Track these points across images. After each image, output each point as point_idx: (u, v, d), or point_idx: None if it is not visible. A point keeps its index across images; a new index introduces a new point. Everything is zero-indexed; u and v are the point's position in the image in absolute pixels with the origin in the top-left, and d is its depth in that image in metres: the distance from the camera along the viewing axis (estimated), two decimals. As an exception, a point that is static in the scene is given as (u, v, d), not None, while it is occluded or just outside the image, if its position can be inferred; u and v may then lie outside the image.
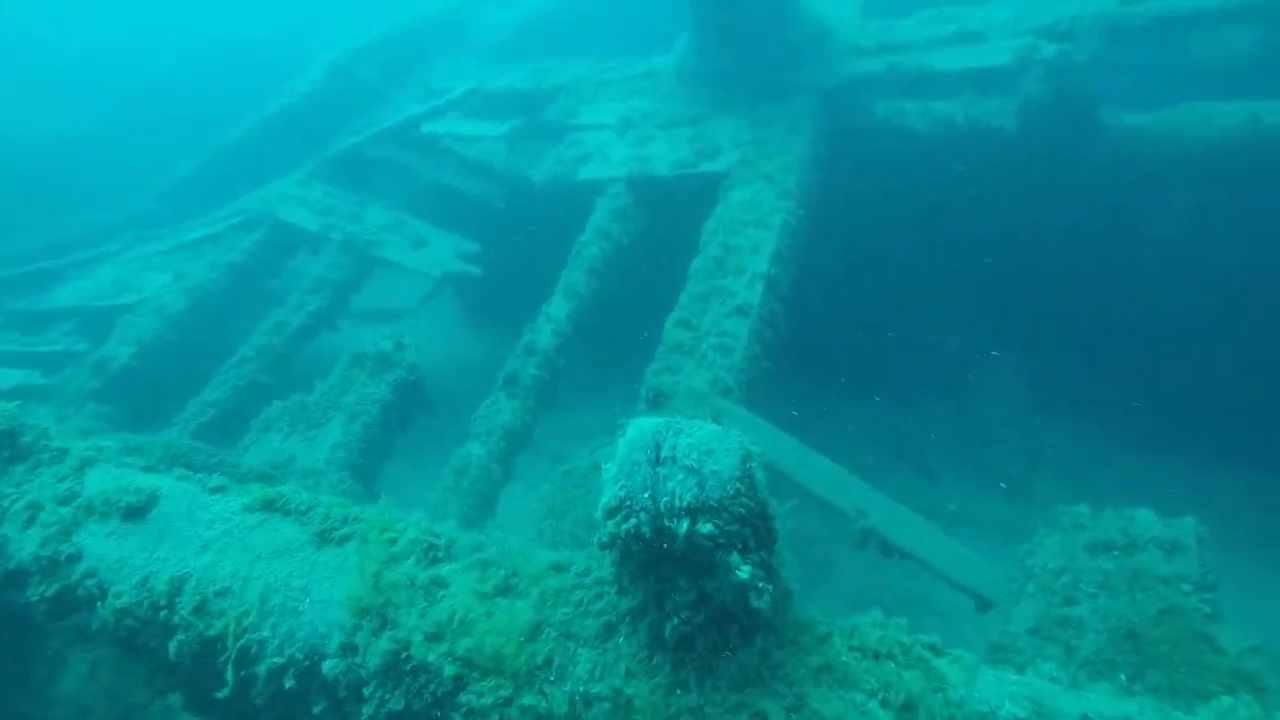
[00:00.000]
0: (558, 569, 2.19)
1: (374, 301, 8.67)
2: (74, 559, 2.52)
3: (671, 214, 6.86)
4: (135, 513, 2.59)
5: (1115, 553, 3.61)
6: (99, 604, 2.43)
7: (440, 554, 2.29)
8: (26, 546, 2.58)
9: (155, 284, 7.08)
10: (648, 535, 1.74)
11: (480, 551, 2.26)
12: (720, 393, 4.84)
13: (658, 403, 4.90)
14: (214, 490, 2.66)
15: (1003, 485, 7.41)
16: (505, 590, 2.15)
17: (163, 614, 2.35)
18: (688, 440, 1.83)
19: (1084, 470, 7.17)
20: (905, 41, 7.27)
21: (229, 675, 2.16)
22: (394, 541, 2.31)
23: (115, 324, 6.62)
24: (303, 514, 2.47)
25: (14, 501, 2.67)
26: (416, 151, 8.29)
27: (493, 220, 7.94)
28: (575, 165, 7.42)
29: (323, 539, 2.39)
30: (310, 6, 15.53)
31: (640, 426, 1.90)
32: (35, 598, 2.53)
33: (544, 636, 2.01)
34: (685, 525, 1.72)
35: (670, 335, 5.34)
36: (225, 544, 2.44)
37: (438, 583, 2.19)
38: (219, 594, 2.30)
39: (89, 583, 2.46)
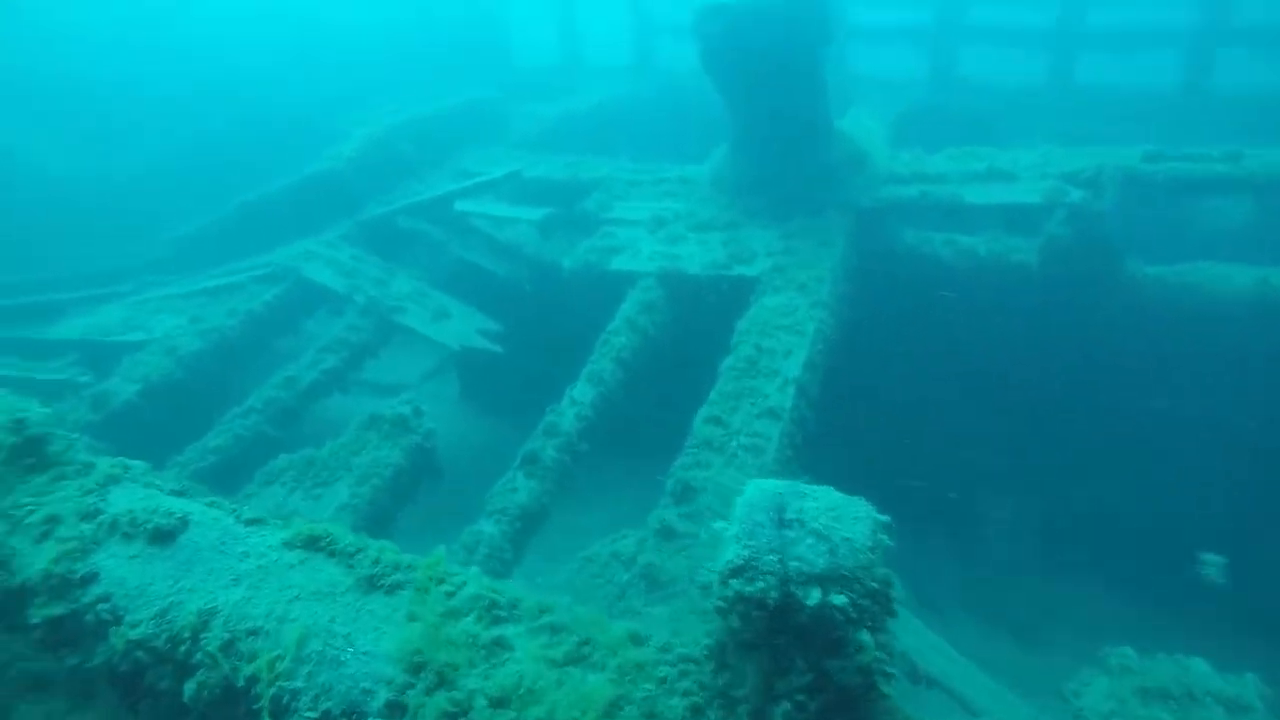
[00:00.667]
0: (636, 641, 2.00)
1: (374, 375, 8.57)
2: (88, 580, 2.28)
3: (699, 312, 6.88)
4: (163, 537, 2.37)
5: (1171, 703, 3.40)
6: (111, 632, 2.19)
7: (502, 613, 2.09)
8: (37, 562, 2.35)
9: (166, 325, 6.93)
10: (774, 601, 1.58)
11: (548, 615, 2.07)
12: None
13: (685, 497, 4.75)
14: (249, 522, 2.45)
15: (1011, 631, 7.19)
16: (577, 659, 1.95)
17: (183, 649, 2.11)
18: (814, 504, 1.69)
19: (1097, 621, 6.95)
20: (939, 173, 7.52)
21: (268, 727, 1.91)
22: (452, 595, 2.11)
23: (121, 360, 6.43)
24: (350, 556, 2.27)
25: (31, 513, 2.46)
26: (447, 228, 8.36)
27: (517, 302, 7.93)
28: (606, 256, 7.48)
29: (371, 585, 2.19)
30: (348, 88, 16.02)
31: (760, 487, 1.76)
32: (35, 619, 2.28)
33: (623, 714, 1.80)
34: (816, 595, 1.56)
35: (700, 431, 5.23)
36: (260, 580, 2.23)
37: (500, 644, 1.99)
38: (250, 633, 2.08)
39: (101, 608, 2.23)
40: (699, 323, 6.83)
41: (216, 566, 2.28)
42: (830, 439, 5.90)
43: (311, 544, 2.32)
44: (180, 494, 2.62)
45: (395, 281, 7.60)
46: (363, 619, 2.11)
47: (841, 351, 6.41)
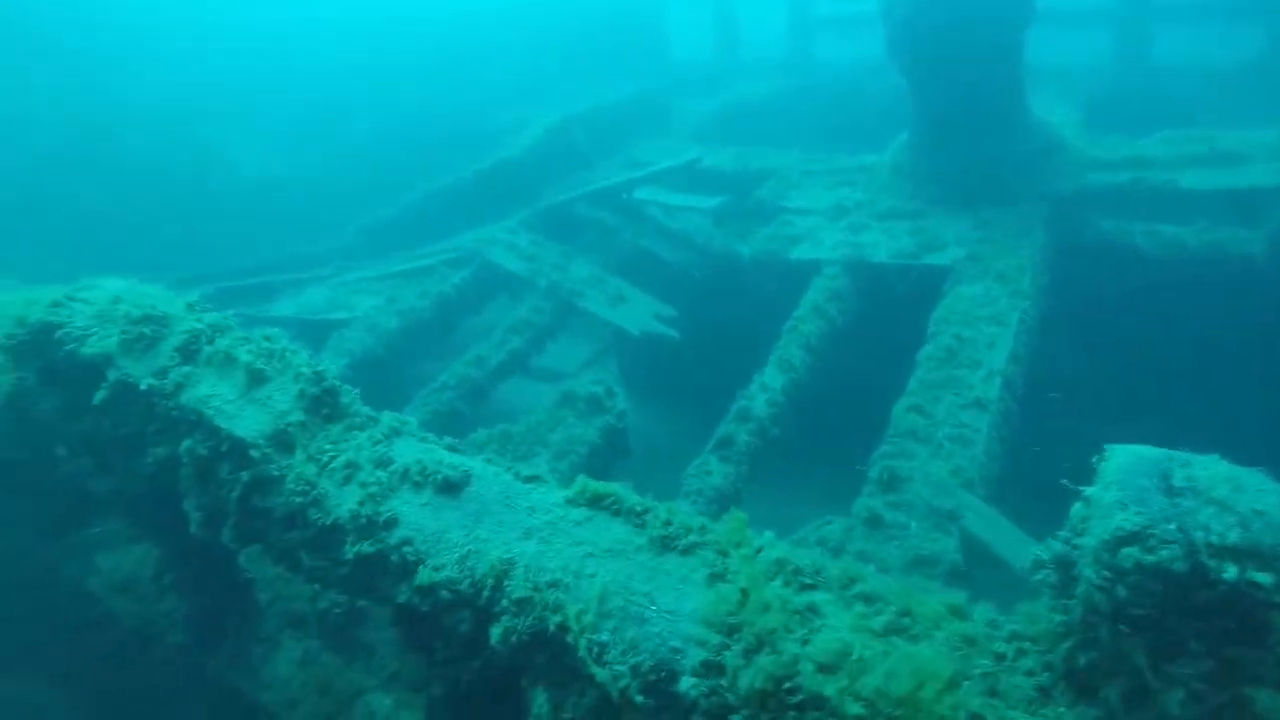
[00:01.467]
0: (959, 614, 1.89)
1: (535, 362, 8.80)
2: (391, 524, 2.39)
3: (888, 300, 6.66)
4: (450, 488, 2.45)
5: None
6: (419, 571, 2.27)
7: (808, 580, 2.03)
8: (345, 503, 2.48)
9: (366, 305, 7.32)
10: (1181, 573, 1.44)
11: (859, 583, 1.99)
12: (963, 484, 4.47)
13: (892, 485, 4.58)
14: (527, 479, 2.51)
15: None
16: (898, 630, 1.86)
17: (485, 595, 2.17)
18: (1205, 473, 1.54)
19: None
20: (1151, 157, 6.96)
21: (597, 671, 1.92)
22: (751, 559, 2.06)
23: (329, 336, 6.84)
24: (638, 515, 2.26)
25: (333, 458, 2.60)
26: (621, 215, 8.46)
27: (688, 289, 7.92)
28: (787, 244, 7.36)
29: (664, 545, 2.18)
30: (506, 84, 16.50)
31: (1134, 452, 1.62)
32: (350, 555, 2.40)
33: (965, 689, 1.70)
34: (1233, 570, 1.41)
35: (902, 420, 5.05)
36: (550, 534, 2.26)
37: (813, 610, 1.92)
38: (551, 585, 2.10)
39: (406, 550, 2.32)
40: (887, 311, 6.62)
41: (506, 519, 2.34)
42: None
43: (596, 502, 2.34)
44: (454, 449, 2.71)
45: (573, 266, 7.74)
46: (659, 578, 2.10)
47: (1041, 344, 6.05)
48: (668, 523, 2.22)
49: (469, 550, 2.26)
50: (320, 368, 2.82)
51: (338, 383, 2.80)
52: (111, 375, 2.86)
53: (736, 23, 15.85)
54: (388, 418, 2.79)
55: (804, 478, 6.15)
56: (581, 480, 2.39)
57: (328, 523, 2.49)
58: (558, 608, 2.06)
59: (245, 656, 3.99)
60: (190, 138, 14.34)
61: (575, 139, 9.29)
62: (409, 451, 2.63)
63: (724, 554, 2.10)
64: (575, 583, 2.10)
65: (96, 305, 3.08)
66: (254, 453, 2.62)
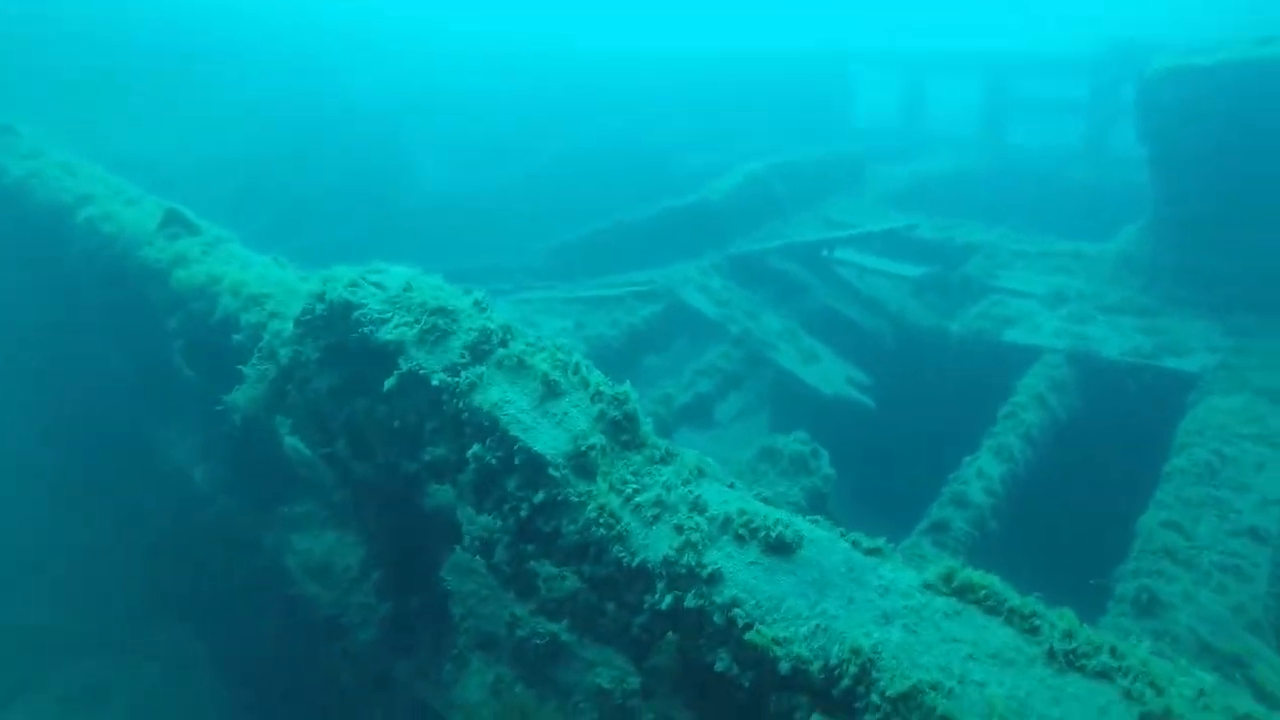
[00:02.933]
0: None
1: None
2: (715, 579, 2.11)
3: (1115, 400, 6.08)
4: (781, 548, 2.16)
5: None
6: (751, 641, 1.98)
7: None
8: (656, 546, 2.23)
9: (554, 327, 7.25)
10: None
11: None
12: (1247, 626, 3.88)
13: (1151, 609, 4.03)
14: (868, 551, 2.19)
15: None
16: None
17: (844, 684, 1.85)
18: None
19: None
20: None
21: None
22: (1202, 694, 1.67)
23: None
24: (1024, 618, 1.91)
25: (636, 491, 2.36)
26: (813, 272, 8.17)
27: (878, 356, 7.52)
28: (1000, 325, 6.88)
29: (1067, 662, 1.81)
30: (682, 136, 16.62)
31: None
32: (661, 605, 2.14)
33: None
34: None
35: (1155, 536, 4.48)
36: (915, 624, 1.93)
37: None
38: (931, 686, 1.77)
39: (736, 613, 2.03)
40: (1113, 411, 6.03)
41: (856, 597, 2.02)
42: None
43: (965, 592, 2.00)
44: (767, 501, 2.43)
45: (764, 317, 7.47)
46: (1068, 704, 1.73)
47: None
48: (1069, 634, 1.85)
49: (817, 626, 1.96)
50: (623, 388, 2.60)
51: (638, 408, 2.58)
52: (403, 365, 2.74)
53: (925, 97, 15.53)
54: (690, 455, 2.54)
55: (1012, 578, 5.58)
56: (946, 564, 2.05)
57: (632, 564, 2.24)
58: (946, 718, 1.72)
59: (437, 670, 3.80)
60: (389, 146, 15.06)
61: (773, 189, 9.11)
62: (722, 497, 2.36)
63: (1157, 690, 1.71)
64: (961, 689, 1.76)
65: (389, 290, 2.99)
66: (553, 472, 2.42)
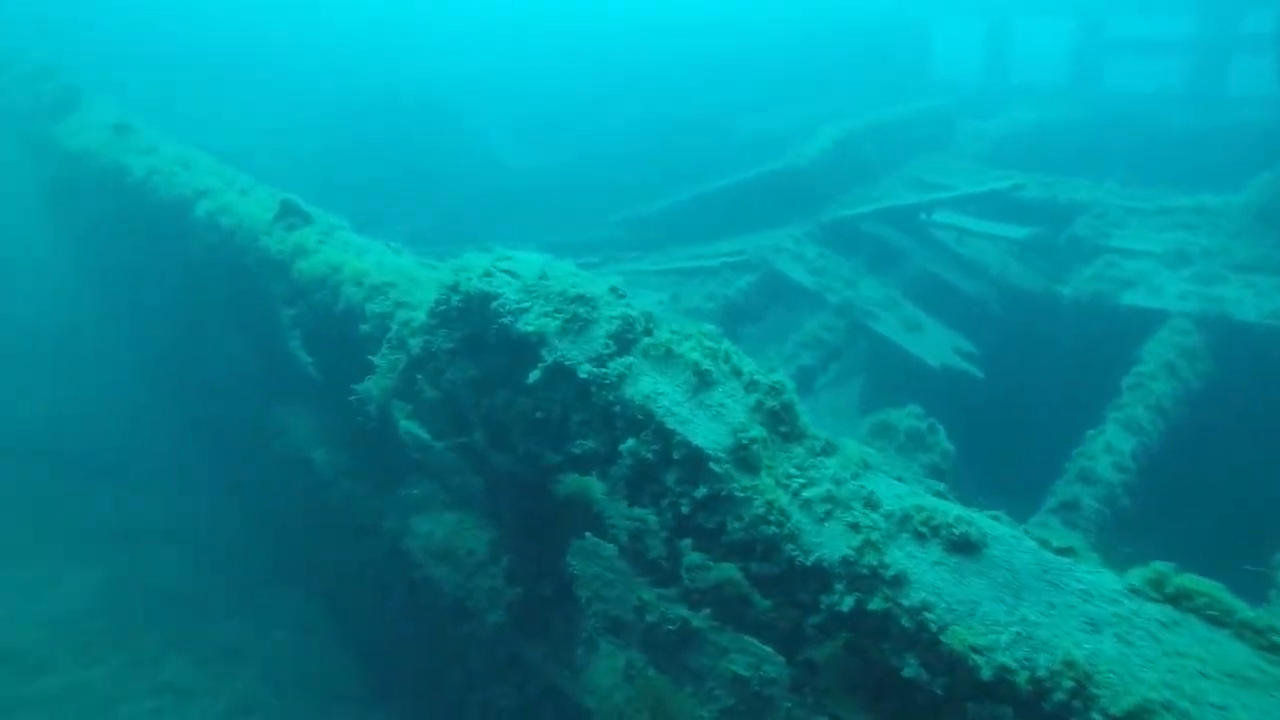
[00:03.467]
0: None
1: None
2: (899, 581, 2.02)
3: (1255, 367, 5.71)
4: (966, 547, 2.06)
5: None
6: (932, 642, 1.89)
7: None
8: (832, 545, 2.15)
9: (649, 300, 7.16)
10: None
11: None
12: None
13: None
14: (1059, 551, 2.06)
15: None
16: None
17: (1057, 699, 1.74)
18: None
19: None
20: None
21: None
22: None
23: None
24: (1258, 632, 1.76)
25: (804, 486, 2.28)
26: (910, 236, 7.89)
27: (982, 323, 7.24)
28: (1117, 288, 6.53)
29: (1316, 679, 1.67)
30: (752, 97, 16.17)
31: None
32: (841, 606, 2.06)
33: None
34: None
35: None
36: (1128, 634, 1.81)
37: None
38: (1164, 707, 1.65)
39: (928, 617, 1.94)
40: (1253, 379, 5.68)
41: (1057, 601, 1.91)
42: None
43: (1181, 600, 1.86)
44: (942, 495, 2.32)
45: (863, 285, 7.25)
46: (1326, 729, 1.59)
47: None
48: (1309, 650, 1.70)
49: (1018, 633, 1.85)
50: (778, 378, 2.51)
51: (795, 397, 2.49)
52: (547, 356, 2.70)
53: (1011, 43, 14.76)
54: (852, 446, 2.44)
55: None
56: (1156, 567, 1.91)
57: (806, 562, 2.16)
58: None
59: (569, 654, 3.82)
60: (456, 131, 15.11)
61: (864, 152, 8.79)
62: (894, 492, 2.26)
63: None
64: (1198, 713, 1.63)
65: (524, 279, 2.95)
66: (715, 467, 2.35)
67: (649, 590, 2.75)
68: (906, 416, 5.16)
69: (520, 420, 2.90)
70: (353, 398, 3.49)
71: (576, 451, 2.66)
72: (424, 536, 4.64)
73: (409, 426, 5.20)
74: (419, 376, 3.29)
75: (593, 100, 16.36)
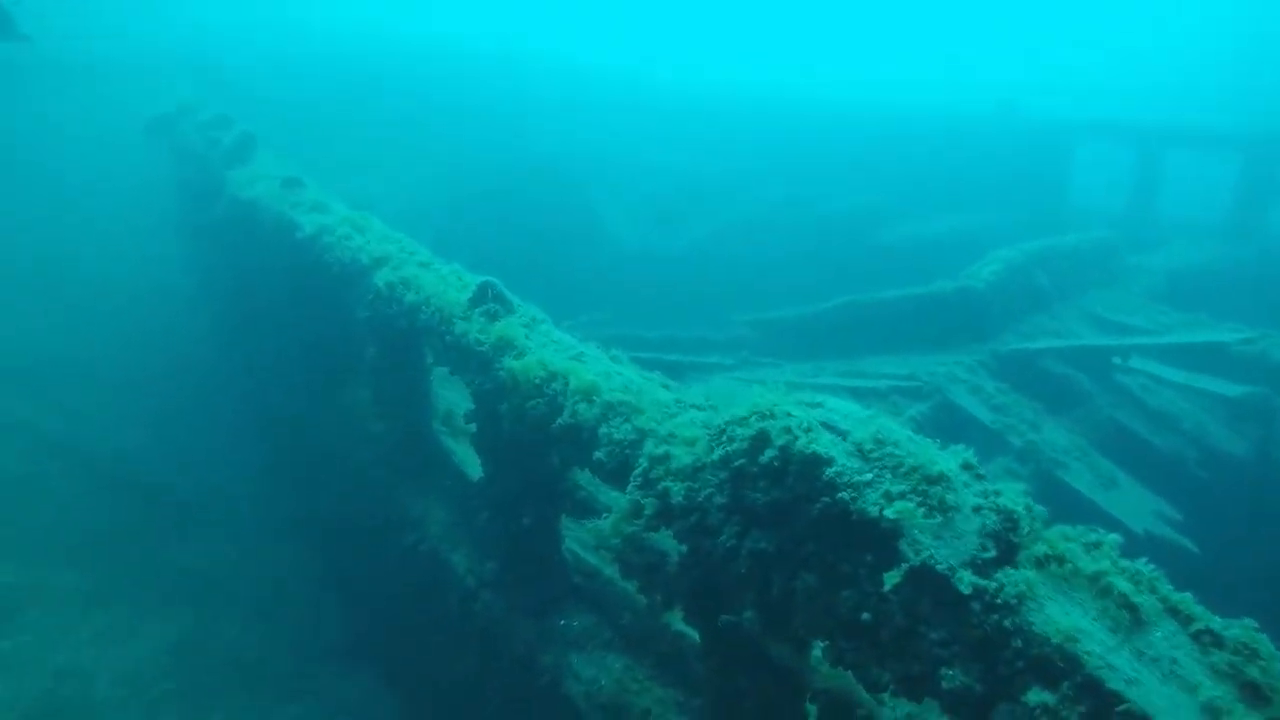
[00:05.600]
0: None
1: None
2: None
3: None
4: None
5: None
6: None
7: None
8: None
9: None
10: None
11: None
12: None
13: None
14: None
15: None
16: None
17: None
18: None
19: None
20: None
21: None
22: None
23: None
24: None
25: None
26: (1094, 379, 7.17)
27: (1182, 488, 6.43)
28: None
29: None
30: (882, 199, 15.70)
31: None
32: None
33: None
34: None
35: None
36: None
37: None
38: None
39: None
40: None
41: None
42: None
43: None
44: None
45: (1046, 429, 6.53)
46: None
47: None
48: None
49: None
50: (1247, 626, 1.85)
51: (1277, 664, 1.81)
52: (909, 553, 2.08)
53: (1161, 176, 14.12)
54: None
55: None
56: None
57: None
58: None
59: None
60: (579, 202, 14.98)
61: (1036, 279, 8.17)
62: None
63: None
64: None
65: (855, 440, 2.36)
66: (1188, 759, 1.68)
67: None
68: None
69: (836, 620, 2.27)
70: (589, 525, 2.91)
71: (945, 686, 2.00)
72: (588, 683, 3.99)
73: (573, 546, 4.63)
74: (673, 526, 2.71)
75: (718, 185, 16.10)
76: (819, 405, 2.57)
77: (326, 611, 6.64)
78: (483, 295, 4.07)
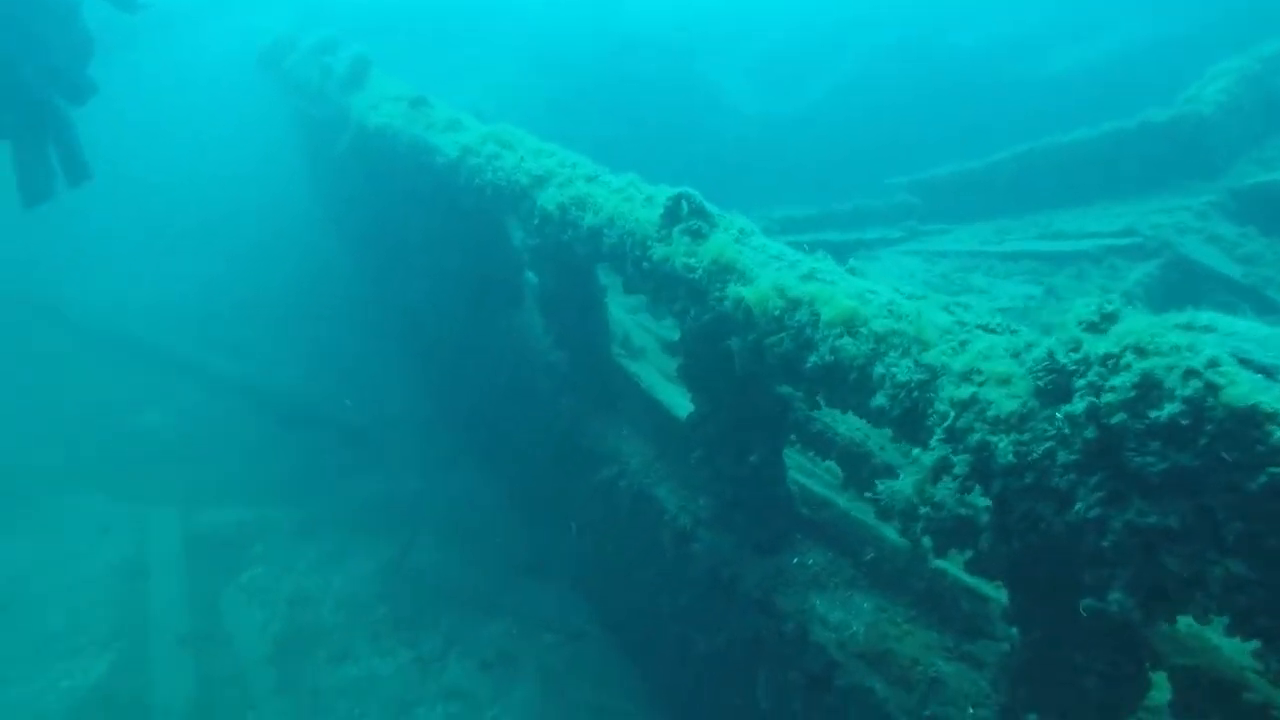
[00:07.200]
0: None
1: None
2: None
3: None
4: None
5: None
6: None
7: None
8: None
9: (1012, 293, 5.81)
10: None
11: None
12: None
13: None
14: None
15: None
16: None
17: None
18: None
19: None
20: None
21: None
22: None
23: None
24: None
25: None
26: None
27: None
28: None
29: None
30: (1017, 28, 13.88)
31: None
32: None
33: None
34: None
35: None
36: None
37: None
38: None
39: None
40: None
41: None
42: None
43: None
44: None
45: (1310, 278, 5.54)
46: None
47: None
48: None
49: None
50: None
51: None
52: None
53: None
54: None
55: None
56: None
57: None
58: None
59: None
60: (686, 76, 13.87)
61: (1275, 93, 6.85)
62: None
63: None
64: None
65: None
66: None
67: None
68: None
69: (1264, 612, 1.74)
70: (872, 494, 2.46)
71: None
72: (838, 628, 3.63)
73: (797, 476, 4.22)
74: (985, 484, 2.21)
75: (835, 29, 14.57)
76: (1211, 329, 1.94)
77: (515, 535, 6.75)
78: (677, 210, 3.52)
